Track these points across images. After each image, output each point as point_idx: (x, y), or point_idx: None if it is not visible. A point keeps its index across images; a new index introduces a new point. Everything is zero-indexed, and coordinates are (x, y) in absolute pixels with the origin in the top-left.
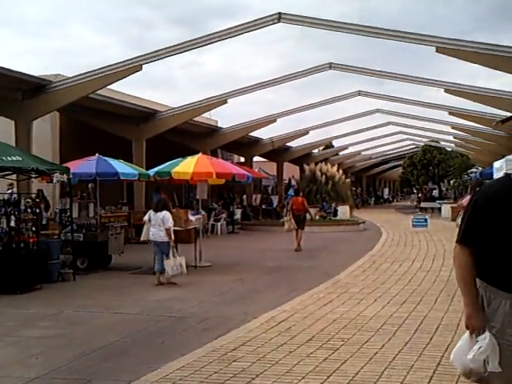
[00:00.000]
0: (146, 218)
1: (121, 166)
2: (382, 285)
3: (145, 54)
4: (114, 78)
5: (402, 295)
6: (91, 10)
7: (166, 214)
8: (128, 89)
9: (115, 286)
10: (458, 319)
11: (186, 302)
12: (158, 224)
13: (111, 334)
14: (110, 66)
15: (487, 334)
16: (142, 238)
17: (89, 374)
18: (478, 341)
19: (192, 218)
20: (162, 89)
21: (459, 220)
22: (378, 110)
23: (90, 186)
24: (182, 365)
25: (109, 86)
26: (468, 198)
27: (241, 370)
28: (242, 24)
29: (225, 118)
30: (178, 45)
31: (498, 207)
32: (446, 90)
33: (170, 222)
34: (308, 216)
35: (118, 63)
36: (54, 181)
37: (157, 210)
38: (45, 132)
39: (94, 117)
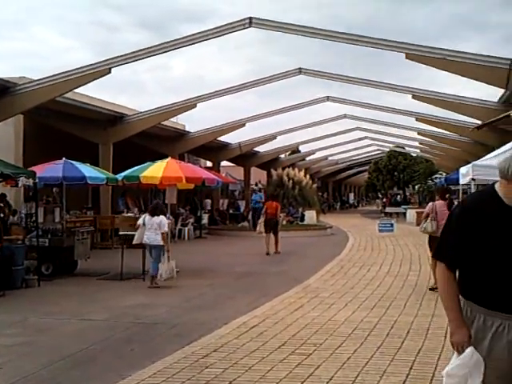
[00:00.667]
0: (140, 222)
1: (88, 170)
2: (351, 289)
3: (113, 58)
4: (81, 81)
5: (372, 300)
6: (55, 12)
7: (163, 218)
8: (93, 92)
9: (81, 292)
10: (427, 323)
11: (155, 307)
12: (155, 228)
13: (79, 342)
14: (77, 69)
15: (470, 349)
16: (134, 242)
17: (57, 382)
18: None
19: None
20: (128, 92)
21: (425, 225)
22: (345, 116)
23: (54, 190)
24: (153, 372)
25: (75, 90)
26: (431, 204)
27: (213, 376)
28: (214, 28)
29: (191, 122)
30: (148, 48)
31: (474, 218)
32: (414, 96)
33: (167, 227)
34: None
35: (86, 66)
36: (20, 185)
37: (153, 215)
38: (8, 135)
39: (60, 120)
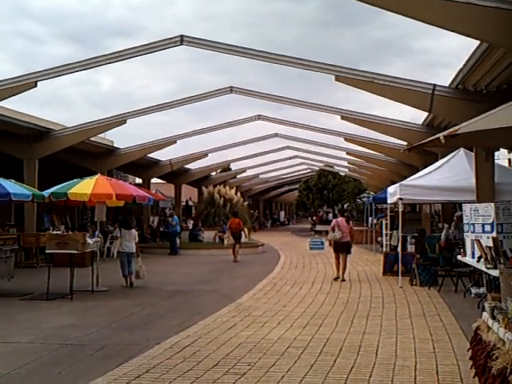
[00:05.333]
0: (117, 234)
1: (12, 187)
2: (283, 307)
3: (40, 71)
4: (5, 94)
5: (304, 318)
6: None
7: (135, 231)
8: (14, 105)
9: (3, 313)
10: (359, 340)
11: (84, 328)
12: (133, 239)
13: (1, 366)
14: (1, 81)
15: None
16: (116, 250)
17: None
18: None
19: (90, 240)
20: (52, 106)
21: (333, 234)
22: (276, 135)
23: None
24: None
25: None
26: (334, 220)
27: None
28: (145, 45)
29: (121, 138)
30: (77, 62)
31: None
32: (343, 117)
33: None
34: (243, 233)
35: (10, 79)
36: None
37: (129, 228)
38: None
39: None
